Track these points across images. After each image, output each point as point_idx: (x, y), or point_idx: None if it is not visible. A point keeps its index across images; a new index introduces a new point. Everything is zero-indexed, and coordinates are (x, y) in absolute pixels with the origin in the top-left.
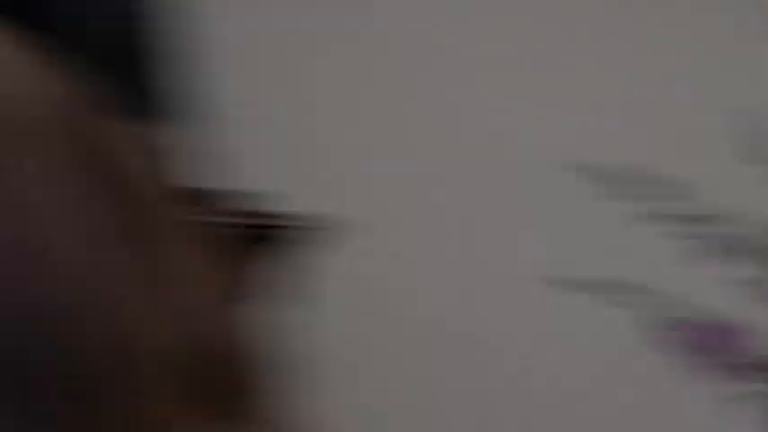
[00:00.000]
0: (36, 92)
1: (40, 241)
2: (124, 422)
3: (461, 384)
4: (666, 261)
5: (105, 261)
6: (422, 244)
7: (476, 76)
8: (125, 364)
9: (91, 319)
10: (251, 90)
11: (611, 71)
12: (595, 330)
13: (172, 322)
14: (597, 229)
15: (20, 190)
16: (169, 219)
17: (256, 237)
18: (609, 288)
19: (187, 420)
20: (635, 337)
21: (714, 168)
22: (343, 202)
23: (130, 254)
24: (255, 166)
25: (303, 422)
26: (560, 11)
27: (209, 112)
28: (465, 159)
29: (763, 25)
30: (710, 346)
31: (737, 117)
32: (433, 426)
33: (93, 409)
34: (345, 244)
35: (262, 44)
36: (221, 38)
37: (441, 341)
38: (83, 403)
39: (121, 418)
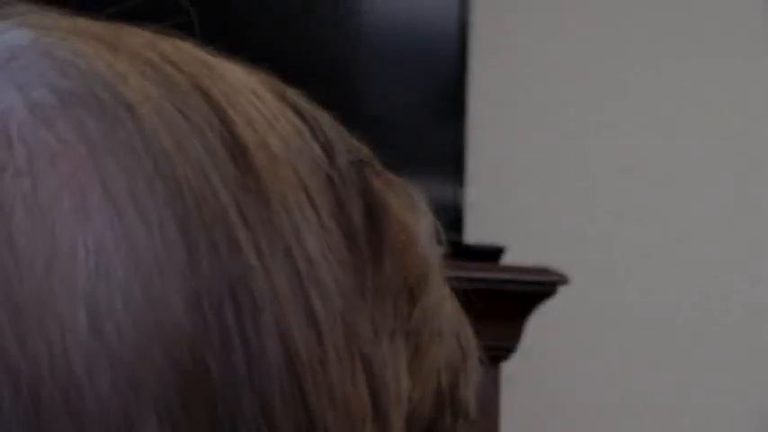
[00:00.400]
0: (301, 147)
1: (315, 293)
2: None
3: None
4: None
5: (355, 314)
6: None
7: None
8: (375, 419)
9: (342, 372)
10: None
11: None
12: None
13: (423, 377)
14: None
15: (294, 238)
16: (431, 274)
17: (490, 291)
18: None
19: None
20: None
21: None
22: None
23: (381, 310)
24: (477, 219)
25: None
26: None
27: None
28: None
29: None
30: None
31: None
32: None
33: None
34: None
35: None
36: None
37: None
38: None
39: None
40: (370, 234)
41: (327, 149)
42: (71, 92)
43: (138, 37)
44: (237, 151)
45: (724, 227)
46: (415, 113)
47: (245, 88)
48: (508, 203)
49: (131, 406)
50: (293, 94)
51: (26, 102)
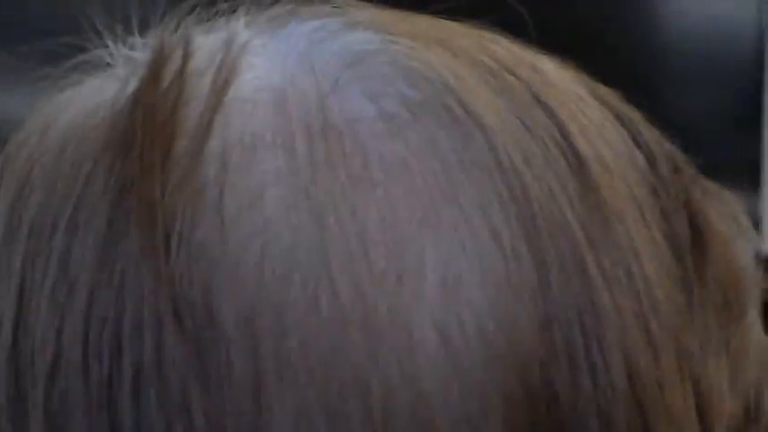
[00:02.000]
0: (627, 157)
1: (652, 313)
2: None
3: None
4: None
5: (685, 332)
6: None
7: None
8: None
9: (675, 392)
10: None
11: None
12: None
13: (738, 393)
14: None
15: (632, 256)
16: (750, 288)
17: None
18: None
19: None
20: None
21: None
22: None
23: (705, 326)
24: None
25: None
26: None
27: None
28: None
29: None
30: None
31: None
32: None
33: None
34: None
35: None
36: None
37: None
38: None
39: None
40: (693, 247)
41: (649, 158)
42: (420, 103)
43: (465, 37)
44: (576, 165)
45: None
46: None
47: (571, 93)
48: None
49: (482, 427)
50: (607, 93)
51: (378, 112)
